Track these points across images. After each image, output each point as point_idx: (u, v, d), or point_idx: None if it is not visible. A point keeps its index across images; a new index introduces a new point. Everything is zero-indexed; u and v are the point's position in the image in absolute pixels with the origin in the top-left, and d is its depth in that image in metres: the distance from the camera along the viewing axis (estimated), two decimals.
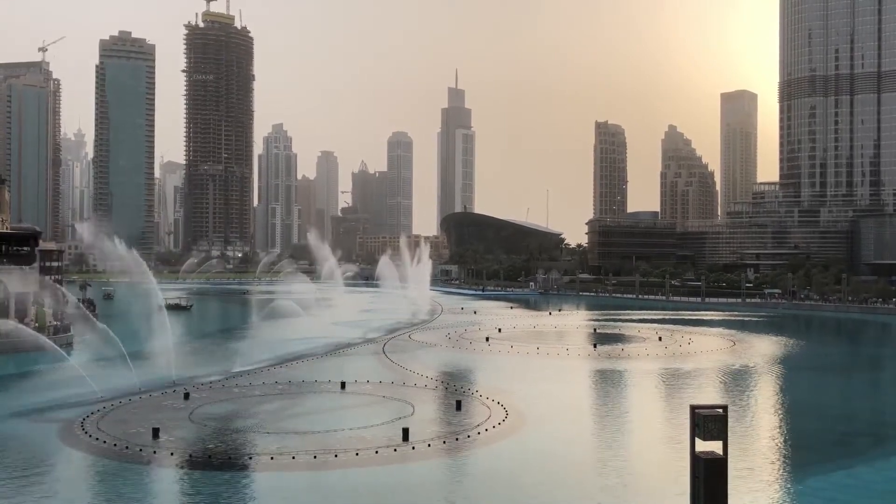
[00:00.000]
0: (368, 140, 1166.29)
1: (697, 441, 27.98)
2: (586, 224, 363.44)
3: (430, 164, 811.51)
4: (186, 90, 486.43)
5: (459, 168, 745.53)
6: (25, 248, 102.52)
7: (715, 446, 27.87)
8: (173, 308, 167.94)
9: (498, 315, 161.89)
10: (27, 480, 42.35)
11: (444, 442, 50.17)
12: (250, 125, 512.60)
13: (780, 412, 67.67)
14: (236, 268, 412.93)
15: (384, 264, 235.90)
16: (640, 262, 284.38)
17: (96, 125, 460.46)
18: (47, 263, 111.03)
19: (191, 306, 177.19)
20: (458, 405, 60.56)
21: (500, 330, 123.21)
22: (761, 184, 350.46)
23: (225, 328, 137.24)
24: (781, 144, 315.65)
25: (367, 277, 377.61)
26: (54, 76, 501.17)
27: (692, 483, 27.94)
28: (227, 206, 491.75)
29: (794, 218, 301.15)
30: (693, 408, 28.52)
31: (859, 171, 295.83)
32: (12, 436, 52.71)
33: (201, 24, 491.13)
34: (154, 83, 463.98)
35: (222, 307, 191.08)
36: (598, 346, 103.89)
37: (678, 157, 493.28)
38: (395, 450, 47.49)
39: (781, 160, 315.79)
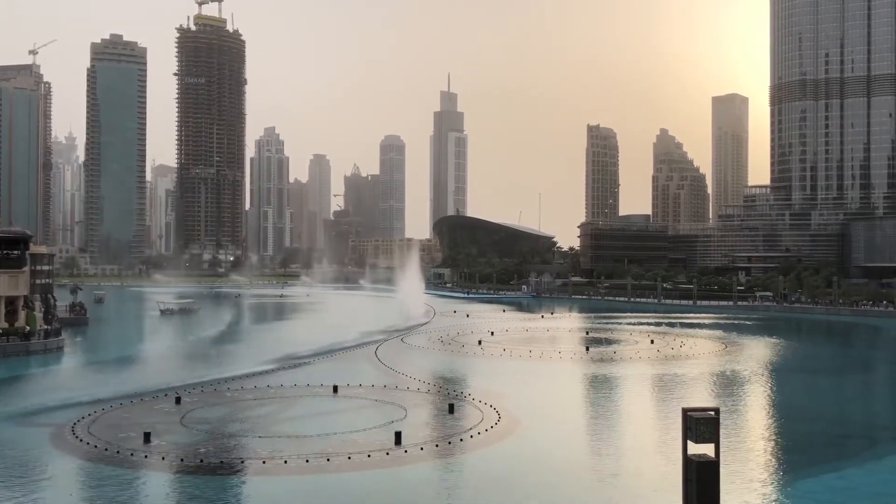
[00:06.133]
0: (361, 143, 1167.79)
1: (689, 444, 28.04)
2: (578, 227, 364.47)
3: (423, 167, 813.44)
4: (178, 93, 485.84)
5: (452, 171, 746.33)
6: (16, 252, 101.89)
7: (707, 449, 27.93)
8: (172, 312, 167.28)
9: (490, 318, 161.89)
10: (17, 485, 42.07)
11: (437, 445, 50.11)
12: (242, 128, 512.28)
13: (771, 414, 67.86)
14: (228, 272, 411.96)
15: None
16: (632, 266, 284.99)
17: (87, 128, 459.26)
18: (38, 267, 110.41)
19: (198, 309, 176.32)
20: (451, 408, 60.50)
21: (492, 333, 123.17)
22: (752, 187, 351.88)
23: (218, 331, 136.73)
24: (772, 148, 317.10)
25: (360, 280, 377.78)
26: (45, 79, 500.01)
27: (684, 486, 27.99)
28: (219, 210, 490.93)
29: (785, 221, 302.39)
30: (685, 410, 28.58)
31: (849, 175, 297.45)
32: (1, 440, 52.39)
33: (193, 28, 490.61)
34: (145, 86, 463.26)
35: (214, 310, 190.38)
36: (590, 349, 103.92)
37: (670, 161, 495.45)
38: (388, 453, 47.39)
39: (772, 163, 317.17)
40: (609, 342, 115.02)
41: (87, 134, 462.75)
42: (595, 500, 41.41)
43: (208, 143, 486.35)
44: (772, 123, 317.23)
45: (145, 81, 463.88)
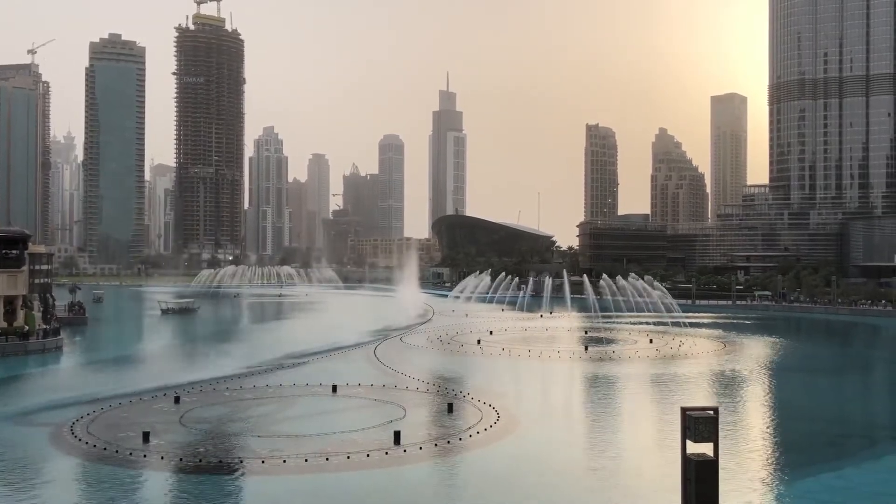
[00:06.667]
0: (360, 143, 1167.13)
1: (688, 443, 28.07)
2: (577, 227, 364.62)
3: (422, 166, 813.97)
4: (177, 93, 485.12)
5: (451, 170, 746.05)
6: (14, 251, 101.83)
7: (706, 448, 27.97)
8: (175, 312, 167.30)
9: (489, 317, 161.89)
10: (16, 485, 42.07)
11: (436, 445, 50.13)
12: (241, 128, 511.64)
13: (770, 414, 67.90)
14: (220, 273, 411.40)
15: None
16: (630, 265, 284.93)
17: (86, 128, 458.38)
18: (36, 266, 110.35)
19: (198, 308, 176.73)
20: (450, 408, 60.52)
21: (491, 332, 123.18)
22: (751, 186, 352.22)
23: (217, 331, 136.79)
24: (771, 147, 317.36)
25: (359, 280, 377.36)
26: (44, 78, 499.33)
27: (683, 485, 28.01)
28: (218, 209, 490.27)
29: (783, 220, 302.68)
30: (684, 410, 28.61)
31: (848, 174, 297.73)
32: (0, 440, 52.35)
33: (192, 27, 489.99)
34: (144, 86, 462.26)
35: (214, 310, 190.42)
36: (589, 348, 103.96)
37: (669, 160, 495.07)
38: (387, 453, 47.41)
39: (771, 163, 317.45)
40: (608, 341, 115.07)
41: (86, 133, 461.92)
42: (595, 499, 41.42)
43: (207, 143, 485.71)
44: (770, 123, 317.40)
45: (144, 81, 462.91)
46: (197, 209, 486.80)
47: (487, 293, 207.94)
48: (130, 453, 46.97)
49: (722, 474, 28.19)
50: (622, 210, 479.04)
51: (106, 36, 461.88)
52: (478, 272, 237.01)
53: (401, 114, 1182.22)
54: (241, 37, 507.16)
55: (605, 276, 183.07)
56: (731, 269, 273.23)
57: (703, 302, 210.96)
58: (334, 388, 69.06)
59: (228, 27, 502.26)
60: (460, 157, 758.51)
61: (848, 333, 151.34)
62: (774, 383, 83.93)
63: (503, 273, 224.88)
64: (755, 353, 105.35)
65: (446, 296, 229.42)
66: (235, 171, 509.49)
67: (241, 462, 46.12)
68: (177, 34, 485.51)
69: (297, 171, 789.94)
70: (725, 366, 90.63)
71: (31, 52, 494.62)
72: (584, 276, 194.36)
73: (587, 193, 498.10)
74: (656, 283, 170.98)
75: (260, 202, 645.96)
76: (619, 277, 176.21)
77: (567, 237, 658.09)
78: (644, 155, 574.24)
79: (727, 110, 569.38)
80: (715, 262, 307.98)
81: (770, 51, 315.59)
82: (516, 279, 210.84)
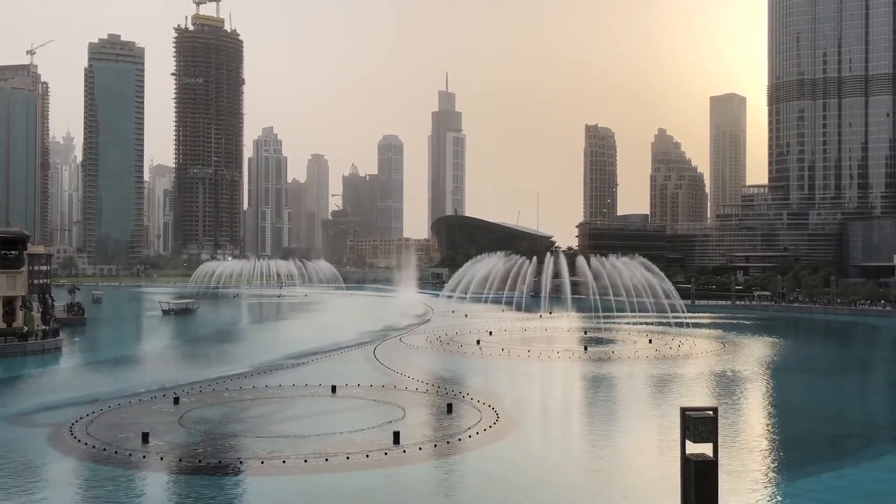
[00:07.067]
0: (359, 143, 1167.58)
1: (688, 443, 28.07)
2: (576, 227, 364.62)
3: (421, 167, 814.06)
4: (176, 93, 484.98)
5: (450, 171, 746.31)
6: (13, 252, 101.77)
7: (705, 448, 27.97)
8: (176, 312, 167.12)
9: (489, 318, 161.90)
10: (15, 486, 42.02)
11: (435, 445, 50.13)
12: (240, 128, 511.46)
13: (770, 414, 67.91)
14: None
15: None
16: None
17: (85, 128, 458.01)
18: (35, 267, 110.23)
19: (197, 308, 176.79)
20: (449, 408, 60.51)
21: (490, 333, 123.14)
22: (750, 186, 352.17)
23: (216, 331, 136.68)
24: (770, 147, 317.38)
25: (359, 281, 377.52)
26: (43, 79, 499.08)
27: (683, 485, 28.02)
28: (217, 210, 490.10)
29: (783, 220, 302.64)
30: (683, 410, 28.62)
31: (847, 174, 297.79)
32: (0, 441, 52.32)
33: (191, 27, 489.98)
34: (143, 86, 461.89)
35: (213, 310, 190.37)
36: (588, 348, 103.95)
37: (668, 160, 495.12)
38: (386, 453, 47.41)
39: (770, 163, 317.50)
40: (607, 342, 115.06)
41: (85, 134, 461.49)
42: (594, 499, 41.39)
43: (206, 143, 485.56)
44: (770, 123, 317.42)
45: (143, 81, 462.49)
46: (196, 210, 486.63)
47: (482, 293, 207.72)
48: (130, 454, 46.95)
49: (722, 474, 28.20)
50: (621, 210, 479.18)
51: (105, 36, 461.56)
52: (494, 253, 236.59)
53: (400, 114, 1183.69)
54: (240, 37, 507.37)
55: (593, 256, 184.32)
56: (730, 269, 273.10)
57: (703, 302, 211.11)
58: (334, 389, 69.05)
59: (227, 28, 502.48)
60: (459, 157, 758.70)
61: (847, 333, 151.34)
62: (774, 383, 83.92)
63: (517, 255, 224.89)
64: (755, 353, 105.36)
65: (437, 294, 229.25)
66: (234, 172, 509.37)
67: (241, 463, 46.11)
68: (176, 35, 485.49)
69: (297, 171, 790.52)
70: (725, 366, 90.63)
71: (31, 52, 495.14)
72: (581, 257, 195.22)
73: (586, 194, 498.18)
74: (641, 259, 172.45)
75: (259, 203, 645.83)
76: (610, 255, 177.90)
77: (566, 237, 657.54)
78: (643, 155, 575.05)
79: (726, 110, 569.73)
80: (714, 262, 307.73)
81: (769, 51, 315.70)
82: (523, 256, 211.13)
